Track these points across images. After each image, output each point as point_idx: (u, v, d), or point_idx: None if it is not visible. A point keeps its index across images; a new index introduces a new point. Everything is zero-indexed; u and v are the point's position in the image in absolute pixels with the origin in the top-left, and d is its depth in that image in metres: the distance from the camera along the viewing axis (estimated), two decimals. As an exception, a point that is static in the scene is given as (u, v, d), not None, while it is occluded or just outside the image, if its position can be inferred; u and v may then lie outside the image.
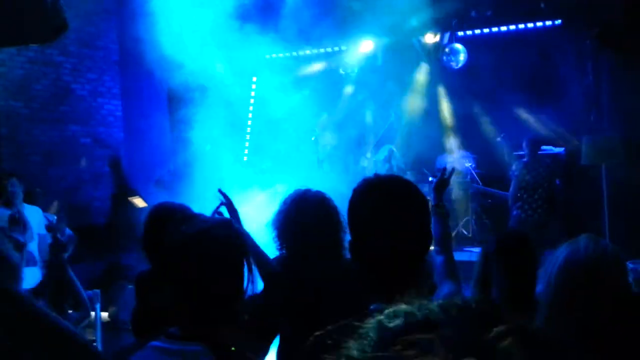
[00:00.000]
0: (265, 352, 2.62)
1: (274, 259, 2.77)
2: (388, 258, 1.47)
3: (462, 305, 0.69)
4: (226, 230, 1.63)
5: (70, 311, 3.00)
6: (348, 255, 2.68)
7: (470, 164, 8.98)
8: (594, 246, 1.71)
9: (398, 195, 1.50)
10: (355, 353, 0.67)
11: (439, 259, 2.34)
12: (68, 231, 6.56)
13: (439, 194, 2.60)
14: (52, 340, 2.08)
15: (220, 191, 2.79)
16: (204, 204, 2.72)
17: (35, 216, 6.18)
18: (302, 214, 2.66)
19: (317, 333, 1.55)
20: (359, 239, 1.52)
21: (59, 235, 5.79)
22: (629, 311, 1.69)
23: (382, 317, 0.69)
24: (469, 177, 8.85)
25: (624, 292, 1.78)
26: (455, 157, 9.33)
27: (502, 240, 2.51)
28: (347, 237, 2.67)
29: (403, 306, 0.70)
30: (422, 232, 1.50)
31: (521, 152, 7.64)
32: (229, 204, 2.74)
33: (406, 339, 0.64)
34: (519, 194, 7.01)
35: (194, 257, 1.56)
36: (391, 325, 0.67)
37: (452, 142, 9.55)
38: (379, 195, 1.51)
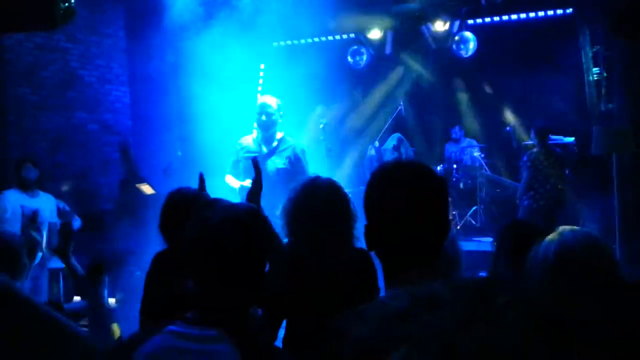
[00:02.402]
0: (274, 336, 2.61)
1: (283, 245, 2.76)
2: (404, 244, 1.44)
3: (467, 283, 0.68)
4: (252, 217, 1.62)
5: (78, 298, 3.00)
6: (358, 243, 2.68)
7: (479, 153, 8.94)
8: (585, 237, 1.68)
9: (416, 181, 1.47)
10: (362, 332, 0.67)
11: None
12: (77, 219, 6.61)
13: None
14: (50, 337, 2.08)
15: (254, 161, 2.69)
16: (211, 192, 2.71)
17: (48, 204, 6.24)
18: (312, 201, 2.64)
19: (328, 318, 1.54)
20: (375, 224, 1.49)
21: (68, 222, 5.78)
22: (629, 297, 1.67)
23: (386, 298, 0.69)
24: (477, 165, 8.81)
25: (620, 279, 1.76)
26: (464, 145, 9.30)
27: (519, 238, 2.42)
28: (358, 224, 2.67)
29: (408, 287, 0.70)
30: (440, 218, 1.47)
31: (530, 142, 7.59)
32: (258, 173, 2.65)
33: (411, 316, 0.64)
34: (531, 184, 6.97)
35: (220, 244, 1.55)
36: (396, 304, 0.66)
37: (460, 131, 9.50)
38: (396, 180, 1.47)
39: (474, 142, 9.34)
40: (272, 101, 5.33)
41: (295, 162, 5.16)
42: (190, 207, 2.54)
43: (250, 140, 5.38)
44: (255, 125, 5.44)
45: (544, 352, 0.63)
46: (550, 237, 1.73)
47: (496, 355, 0.60)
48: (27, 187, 6.12)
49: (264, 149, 5.28)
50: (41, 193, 6.26)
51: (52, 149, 7.97)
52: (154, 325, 1.69)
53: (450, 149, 9.39)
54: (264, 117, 5.22)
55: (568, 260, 1.64)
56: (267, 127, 5.25)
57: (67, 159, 8.08)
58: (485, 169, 8.74)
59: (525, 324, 0.63)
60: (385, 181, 1.49)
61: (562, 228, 1.75)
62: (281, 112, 5.33)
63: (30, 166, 6.20)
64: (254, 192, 2.39)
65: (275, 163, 5.16)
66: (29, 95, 7.83)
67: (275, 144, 5.28)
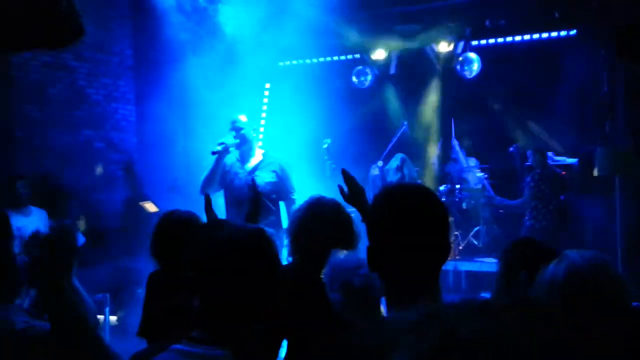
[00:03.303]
0: (275, 356, 2.61)
1: (286, 265, 2.77)
2: (405, 266, 1.46)
3: (467, 301, 0.71)
4: (260, 239, 1.64)
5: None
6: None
7: (482, 174, 8.93)
8: (593, 258, 1.68)
9: (418, 203, 1.50)
10: (370, 343, 0.70)
11: None
12: (81, 236, 6.61)
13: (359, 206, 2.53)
14: None
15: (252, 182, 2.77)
16: (216, 210, 2.73)
17: (42, 219, 6.22)
18: (317, 221, 2.67)
19: (333, 338, 1.57)
20: (378, 246, 1.51)
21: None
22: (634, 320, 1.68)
23: (391, 316, 0.72)
24: (480, 186, 8.80)
25: (628, 301, 1.77)
26: (466, 166, 9.29)
27: (525, 256, 2.40)
28: (360, 244, 2.68)
29: (412, 307, 0.72)
30: (440, 241, 1.50)
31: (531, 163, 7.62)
32: (254, 201, 2.72)
33: (415, 328, 0.68)
34: (533, 205, 6.99)
35: (229, 263, 1.57)
36: (401, 320, 0.69)
37: (462, 151, 9.50)
38: (399, 203, 1.51)
39: (474, 161, 9.30)
40: (241, 117, 5.37)
41: (282, 176, 5.21)
42: (181, 231, 2.60)
43: (232, 160, 5.40)
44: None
45: (540, 346, 0.64)
46: (558, 259, 1.73)
47: (493, 342, 0.62)
48: (20, 205, 6.07)
49: (246, 167, 5.28)
50: (33, 209, 6.22)
51: (59, 167, 8.02)
52: (156, 343, 1.70)
53: (452, 168, 9.36)
54: (233, 133, 5.27)
55: (577, 281, 1.65)
56: (238, 144, 5.27)
57: (73, 177, 8.12)
58: (489, 190, 8.71)
59: (522, 318, 0.65)
60: (387, 204, 1.53)
61: (570, 250, 1.75)
62: (253, 128, 5.35)
63: (25, 183, 6.18)
64: (253, 214, 2.44)
65: (263, 177, 5.17)
66: (36, 112, 7.89)
67: (259, 159, 5.29)
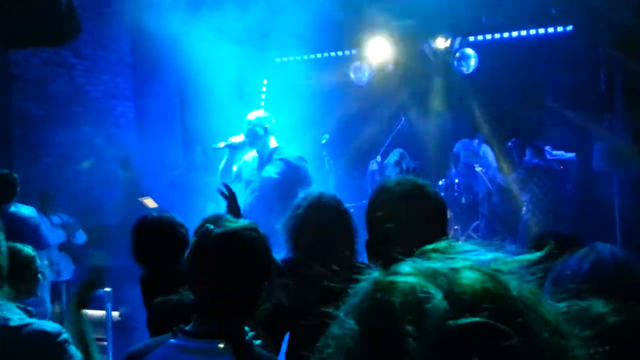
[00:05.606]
0: (277, 350, 2.64)
1: (282, 260, 2.79)
2: (404, 259, 1.48)
3: None
4: (253, 232, 1.67)
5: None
6: (360, 257, 2.71)
7: (480, 169, 8.94)
8: (624, 257, 1.68)
9: (416, 197, 1.52)
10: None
11: None
12: (81, 233, 6.64)
13: None
14: None
15: (224, 185, 2.81)
16: (218, 205, 2.76)
17: (30, 215, 6.16)
18: (318, 218, 2.69)
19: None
20: (376, 239, 1.54)
21: (70, 238, 5.83)
22: None
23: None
24: (479, 180, 8.81)
25: None
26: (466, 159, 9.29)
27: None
28: (359, 239, 2.71)
29: None
30: (439, 233, 1.52)
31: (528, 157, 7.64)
32: (231, 197, 2.75)
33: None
34: (529, 198, 7.00)
35: (222, 256, 1.60)
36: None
37: (461, 146, 9.51)
38: (397, 196, 1.53)
39: (478, 158, 9.28)
40: (251, 115, 5.38)
41: (288, 172, 5.07)
42: (159, 233, 2.65)
43: (250, 156, 5.40)
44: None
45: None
46: (588, 248, 1.72)
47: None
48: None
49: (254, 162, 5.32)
50: (20, 205, 6.13)
51: (58, 164, 8.02)
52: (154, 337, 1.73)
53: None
54: (246, 132, 5.30)
55: (601, 276, 1.63)
56: (251, 142, 5.29)
57: (72, 174, 8.12)
58: (488, 185, 8.68)
59: None
60: (386, 198, 1.55)
61: (600, 243, 1.74)
62: (266, 125, 5.30)
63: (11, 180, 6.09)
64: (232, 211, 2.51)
65: (268, 172, 5.13)
66: (35, 109, 7.89)
67: (269, 153, 5.27)
